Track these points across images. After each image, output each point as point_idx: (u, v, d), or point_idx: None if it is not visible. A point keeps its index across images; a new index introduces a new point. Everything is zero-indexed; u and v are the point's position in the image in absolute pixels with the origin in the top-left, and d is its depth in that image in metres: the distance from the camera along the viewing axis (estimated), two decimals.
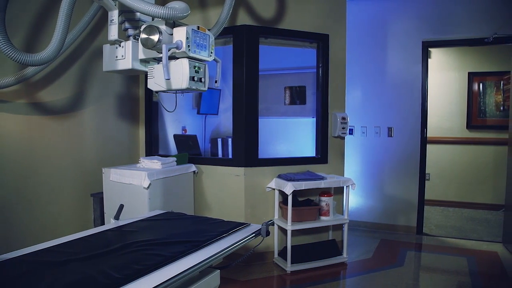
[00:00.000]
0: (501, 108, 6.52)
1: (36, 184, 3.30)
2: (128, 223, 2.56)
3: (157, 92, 2.41)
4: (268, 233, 2.39)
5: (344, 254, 4.15)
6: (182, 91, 2.39)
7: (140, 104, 4.48)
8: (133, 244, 2.05)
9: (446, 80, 6.73)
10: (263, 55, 4.21)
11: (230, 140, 4.43)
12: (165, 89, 2.30)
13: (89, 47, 3.69)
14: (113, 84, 4.10)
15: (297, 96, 5.08)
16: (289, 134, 4.92)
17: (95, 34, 3.68)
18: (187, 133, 5.08)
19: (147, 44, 2.15)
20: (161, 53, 2.10)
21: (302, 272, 3.83)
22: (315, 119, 4.49)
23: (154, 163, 3.63)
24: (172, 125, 4.95)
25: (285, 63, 5.03)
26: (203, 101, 5.07)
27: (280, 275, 3.83)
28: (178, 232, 2.30)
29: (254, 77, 3.95)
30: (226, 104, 4.97)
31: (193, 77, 2.24)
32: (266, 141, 4.80)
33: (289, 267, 3.85)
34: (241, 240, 2.21)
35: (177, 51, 2.15)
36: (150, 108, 4.44)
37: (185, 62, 2.20)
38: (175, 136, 4.73)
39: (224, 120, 5.18)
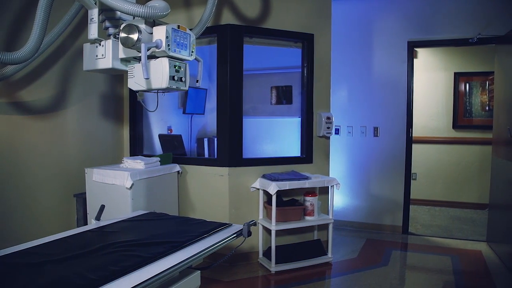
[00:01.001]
0: (487, 108, 6.58)
1: (18, 184, 3.26)
2: (109, 224, 2.54)
3: (137, 91, 2.39)
4: (249, 234, 2.37)
5: (329, 254, 4.15)
6: (163, 90, 2.37)
7: (124, 103, 4.45)
8: (113, 245, 2.03)
9: (432, 80, 6.77)
10: (249, 54, 4.20)
11: (216, 140, 4.41)
12: (145, 89, 2.28)
13: (72, 46, 3.65)
14: (97, 83, 4.06)
15: (284, 95, 5.08)
16: (276, 134, 4.91)
17: (77, 33, 3.64)
18: (172, 133, 5.06)
19: (127, 43, 2.13)
20: (141, 52, 2.08)
21: (286, 272, 3.82)
22: (300, 118, 4.49)
23: (137, 163, 3.61)
24: (158, 124, 4.92)
25: (272, 63, 5.03)
26: (189, 101, 5.04)
27: (264, 275, 3.83)
28: (159, 232, 2.28)
29: (238, 77, 3.93)
30: (212, 103, 4.95)
31: (173, 76, 2.23)
32: (252, 141, 4.80)
33: (273, 267, 3.84)
34: (222, 241, 2.20)
35: (157, 50, 2.13)
36: (135, 108, 4.41)
37: (165, 62, 2.19)
38: (160, 136, 4.71)
39: (211, 119, 5.17)
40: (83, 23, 3.57)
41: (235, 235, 2.31)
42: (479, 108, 6.69)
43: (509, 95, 4.17)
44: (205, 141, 5.02)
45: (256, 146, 4.75)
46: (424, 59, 6.74)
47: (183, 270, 1.99)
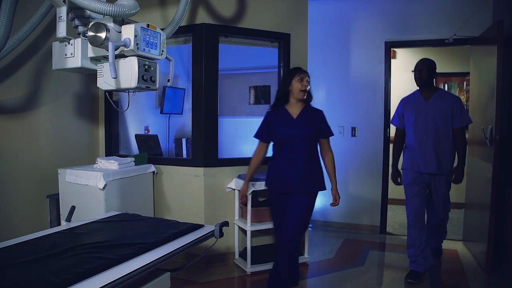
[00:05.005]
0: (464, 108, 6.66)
1: None
2: (79, 225, 2.51)
3: (107, 91, 2.36)
4: (222, 235, 2.37)
5: (306, 255, 4.15)
6: (133, 90, 2.34)
7: (99, 103, 4.39)
8: (80, 246, 2.00)
9: (411, 80, 6.77)
10: (227, 54, 4.18)
11: (192, 140, 4.38)
12: (114, 88, 2.26)
13: (44, 44, 3.59)
14: (71, 82, 4.00)
15: (262, 95, 5.08)
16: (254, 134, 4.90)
17: (50, 31, 3.57)
18: (149, 133, 5.01)
19: (95, 42, 2.10)
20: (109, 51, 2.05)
21: (262, 273, 3.80)
22: None
23: (111, 164, 3.56)
24: (135, 124, 4.88)
25: (250, 63, 5.02)
26: (166, 100, 5.00)
27: (240, 276, 3.81)
28: (129, 234, 2.26)
29: (213, 76, 3.91)
30: (191, 103, 4.94)
31: (143, 75, 2.21)
32: (230, 141, 4.78)
33: (249, 268, 3.82)
34: (192, 242, 2.18)
35: (126, 49, 2.11)
36: (110, 108, 4.35)
37: (134, 61, 2.16)
38: (136, 136, 4.66)
39: (189, 119, 5.10)
40: (55, 21, 3.53)
41: (205, 236, 2.30)
42: None
43: (483, 95, 4.22)
44: (183, 141, 4.99)
45: (234, 147, 4.73)
46: (403, 59, 6.79)
47: (153, 272, 1.97)
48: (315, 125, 3.19)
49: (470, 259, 4.26)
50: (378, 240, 5.03)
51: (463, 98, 6.71)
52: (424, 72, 3.70)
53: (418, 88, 3.86)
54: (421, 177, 3.74)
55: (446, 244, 4.62)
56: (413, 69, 3.83)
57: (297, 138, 3.12)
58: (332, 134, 3.29)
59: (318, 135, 3.22)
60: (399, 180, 4.02)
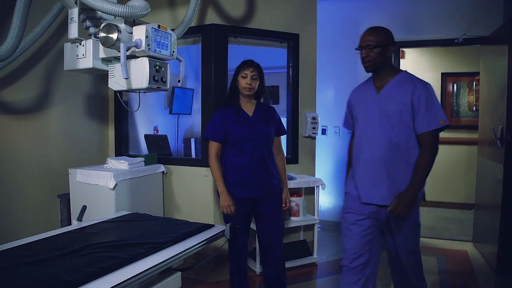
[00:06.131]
0: (474, 108, 6.62)
1: (0, 185, 3.23)
2: (90, 225, 2.52)
3: (118, 91, 2.37)
4: (232, 234, 2.37)
5: (315, 255, 4.15)
6: (144, 90, 2.36)
7: (109, 103, 4.42)
8: (92, 246, 2.01)
9: None
10: (237, 54, 4.19)
11: (201, 140, 4.40)
12: (125, 89, 2.27)
13: (56, 45, 3.62)
14: (81, 83, 4.03)
15: (270, 95, 5.08)
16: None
17: (61, 32, 3.60)
18: (158, 133, 5.03)
19: (106, 42, 2.12)
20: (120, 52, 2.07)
21: None
22: (286, 119, 4.49)
23: (121, 164, 3.58)
24: (144, 125, 4.90)
25: (259, 63, 5.01)
26: (175, 101, 5.02)
27: (249, 276, 3.81)
28: (140, 233, 2.27)
29: (223, 77, 3.92)
30: (199, 103, 4.94)
31: (154, 76, 2.22)
32: None
33: (258, 268, 3.83)
34: (202, 242, 2.19)
35: (137, 50, 2.12)
36: (120, 108, 4.38)
37: (145, 61, 2.18)
38: (145, 136, 4.68)
39: (198, 120, 5.13)
40: (66, 22, 3.56)
41: (215, 236, 2.30)
42: (466, 109, 6.73)
43: (493, 95, 4.20)
44: (192, 141, 5.00)
45: None
46: (412, 59, 6.77)
47: (164, 271, 1.97)
48: (272, 123, 3.04)
49: (480, 260, 4.24)
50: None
51: (472, 98, 6.67)
52: (370, 49, 2.41)
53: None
54: (364, 210, 2.55)
55: (456, 245, 4.61)
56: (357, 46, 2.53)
57: (258, 138, 2.94)
58: (286, 133, 3.20)
59: (274, 134, 3.07)
60: None
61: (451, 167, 6.68)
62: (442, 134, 6.75)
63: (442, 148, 6.54)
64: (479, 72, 4.94)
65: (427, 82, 2.44)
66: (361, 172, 2.56)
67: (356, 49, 2.52)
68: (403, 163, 2.46)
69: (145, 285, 1.88)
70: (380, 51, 2.41)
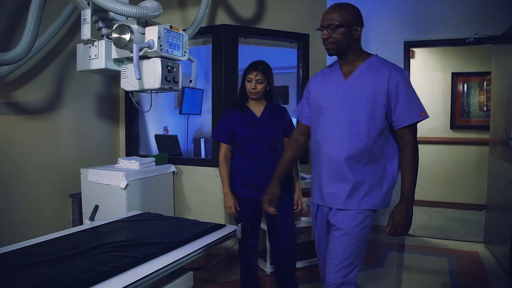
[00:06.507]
0: (484, 108, 6.57)
1: (13, 185, 3.26)
2: (102, 224, 2.54)
3: (130, 92, 2.39)
4: (243, 235, 2.38)
5: None
6: (156, 90, 2.38)
7: (120, 104, 4.44)
8: (105, 245, 2.03)
9: (430, 80, 6.77)
10: (247, 54, 4.19)
11: (211, 140, 4.41)
12: (138, 89, 2.29)
13: (67, 46, 3.65)
14: (92, 83, 4.06)
15: (280, 95, 5.07)
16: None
17: (73, 33, 3.64)
18: (168, 133, 5.05)
19: (119, 43, 2.13)
20: (133, 52, 2.08)
21: None
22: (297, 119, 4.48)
23: (132, 164, 3.60)
24: (154, 125, 4.92)
25: (269, 63, 5.01)
26: (185, 101, 5.04)
27: (260, 276, 3.81)
28: (152, 233, 2.28)
29: (233, 77, 3.93)
30: (209, 104, 4.95)
31: (166, 76, 2.23)
32: None
33: (268, 268, 3.83)
34: (214, 242, 2.20)
35: (149, 50, 2.14)
36: (130, 108, 4.40)
37: (157, 62, 2.19)
38: (156, 136, 4.70)
39: (207, 120, 5.15)
40: (78, 23, 3.58)
41: (227, 236, 2.31)
42: (476, 108, 6.69)
43: (505, 95, 4.16)
44: (202, 141, 5.02)
45: None
46: (422, 59, 6.74)
47: (176, 271, 1.98)
48: (281, 123, 3.02)
49: (492, 261, 4.21)
50: (397, 241, 4.99)
51: (483, 98, 6.62)
52: (332, 29, 2.08)
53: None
54: (322, 214, 2.31)
55: (467, 246, 4.58)
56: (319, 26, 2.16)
57: (263, 138, 2.94)
58: None
59: (283, 134, 3.04)
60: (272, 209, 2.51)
61: (461, 168, 6.64)
62: (452, 134, 6.74)
63: (451, 149, 6.59)
64: (490, 72, 4.91)
65: (402, 68, 2.19)
66: (323, 172, 2.22)
67: (318, 29, 2.16)
68: (373, 163, 2.14)
69: (158, 284, 1.89)
70: (344, 31, 2.08)
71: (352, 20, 2.11)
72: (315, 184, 2.31)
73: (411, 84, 2.13)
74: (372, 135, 2.10)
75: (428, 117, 2.12)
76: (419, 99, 2.12)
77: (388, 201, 2.21)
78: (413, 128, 2.09)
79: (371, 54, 2.21)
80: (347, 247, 2.12)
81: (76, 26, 3.58)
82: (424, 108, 2.11)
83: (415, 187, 2.11)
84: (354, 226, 2.13)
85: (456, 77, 6.71)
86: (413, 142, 2.09)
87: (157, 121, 4.99)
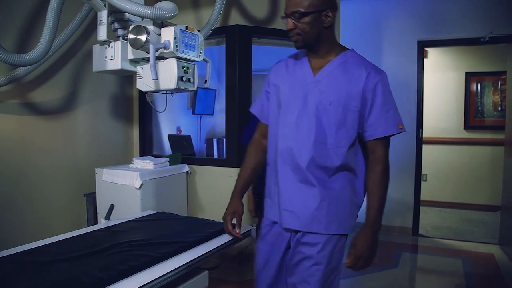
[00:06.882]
0: (499, 108, 6.51)
1: (28, 184, 3.30)
2: (118, 223, 2.56)
3: (146, 92, 2.40)
4: (258, 234, 2.38)
5: None
6: (172, 91, 2.39)
7: (134, 104, 4.47)
8: (121, 244, 2.04)
9: (443, 80, 6.72)
10: (261, 55, 4.19)
11: (225, 140, 4.42)
12: (154, 90, 2.30)
13: (82, 47, 3.68)
14: (107, 84, 4.09)
15: None
16: None
17: (88, 34, 3.67)
18: (181, 134, 5.08)
19: (135, 44, 2.15)
20: (149, 53, 2.10)
21: None
22: None
23: (146, 163, 3.62)
24: (167, 125, 4.94)
25: None
26: (198, 101, 5.06)
27: None
28: (168, 232, 2.30)
29: (247, 77, 3.93)
30: (221, 104, 4.97)
31: (182, 77, 2.24)
32: None
33: None
34: (229, 241, 2.21)
35: (165, 51, 2.14)
36: (144, 108, 4.43)
37: (173, 62, 2.20)
38: (169, 136, 4.73)
39: (220, 120, 5.18)
40: (93, 25, 3.62)
41: (243, 236, 2.31)
42: (491, 108, 6.63)
43: None
44: (214, 141, 5.04)
45: None
46: (435, 59, 6.70)
47: (191, 270, 2.00)
48: None
49: (508, 263, 4.17)
50: (410, 242, 4.97)
51: (497, 98, 6.55)
52: (297, 17, 1.72)
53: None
54: (278, 233, 1.93)
55: (482, 247, 4.54)
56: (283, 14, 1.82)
57: None
58: None
59: None
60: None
61: (475, 168, 6.59)
62: (466, 134, 6.70)
63: (465, 149, 6.55)
64: (504, 71, 4.87)
65: (381, 69, 1.81)
66: (283, 184, 1.84)
67: (282, 17, 1.82)
68: (342, 178, 1.82)
69: (174, 283, 1.90)
70: (312, 20, 1.70)
71: (321, 4, 1.70)
72: (272, 197, 1.93)
73: (390, 90, 1.80)
74: (342, 145, 1.75)
75: (404, 131, 1.80)
76: (397, 108, 1.80)
77: (354, 224, 1.91)
78: (386, 141, 1.78)
79: (347, 48, 1.87)
80: (322, 280, 1.77)
81: (90, 27, 3.61)
82: (401, 120, 1.78)
83: (383, 212, 1.80)
84: (325, 254, 1.79)
85: (470, 77, 6.65)
86: (385, 158, 1.78)
87: (170, 122, 5.02)
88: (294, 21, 1.73)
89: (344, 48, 1.86)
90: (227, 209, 2.07)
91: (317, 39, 1.76)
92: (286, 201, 1.82)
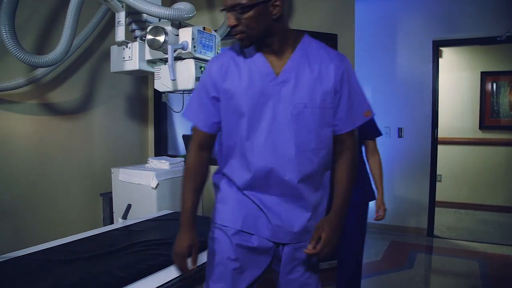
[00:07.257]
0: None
1: (46, 184, 3.34)
2: (135, 223, 2.59)
3: (163, 92, 2.42)
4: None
5: None
6: (189, 91, 2.40)
7: (149, 104, 4.50)
8: (139, 243, 2.06)
9: (458, 80, 6.66)
10: None
11: None
12: (171, 90, 2.32)
13: (99, 48, 3.72)
14: (122, 84, 4.12)
15: None
16: None
17: (104, 35, 3.70)
18: None
19: (153, 45, 2.17)
20: (167, 54, 2.11)
21: None
22: None
23: (162, 163, 3.65)
24: (182, 125, 4.96)
25: None
26: None
27: None
28: None
29: None
30: None
31: (199, 77, 2.26)
32: None
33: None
34: None
35: (183, 51, 2.16)
36: (159, 109, 4.46)
37: (191, 63, 2.22)
38: (184, 136, 4.74)
39: None
40: (109, 26, 3.66)
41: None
42: (507, 108, 6.54)
43: None
44: None
45: None
46: (450, 58, 6.63)
47: None
48: None
49: None
50: (425, 243, 4.92)
51: None
52: (239, 12, 1.41)
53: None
54: (252, 255, 1.68)
55: (498, 249, 4.49)
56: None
57: None
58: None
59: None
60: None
61: (490, 169, 6.50)
62: (481, 135, 6.63)
63: (480, 149, 6.48)
64: None
65: (343, 54, 1.59)
66: (271, 201, 1.60)
67: (221, 10, 1.55)
68: (326, 177, 1.65)
69: (192, 283, 1.92)
70: (257, 13, 1.40)
71: None
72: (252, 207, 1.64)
73: (354, 74, 1.60)
74: (324, 147, 1.58)
75: (374, 114, 1.67)
76: (362, 92, 1.62)
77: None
78: (354, 130, 1.63)
79: (300, 34, 1.57)
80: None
81: (106, 28, 3.65)
82: (369, 105, 1.63)
83: (349, 202, 1.61)
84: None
85: (485, 77, 6.58)
86: (354, 146, 1.63)
87: (185, 121, 5.03)
88: (235, 16, 1.42)
89: (297, 35, 1.56)
90: (179, 241, 1.65)
91: (266, 34, 1.46)
92: (276, 216, 1.58)
